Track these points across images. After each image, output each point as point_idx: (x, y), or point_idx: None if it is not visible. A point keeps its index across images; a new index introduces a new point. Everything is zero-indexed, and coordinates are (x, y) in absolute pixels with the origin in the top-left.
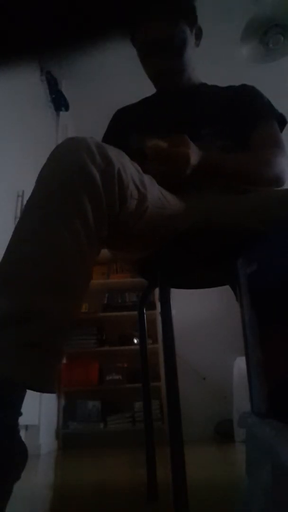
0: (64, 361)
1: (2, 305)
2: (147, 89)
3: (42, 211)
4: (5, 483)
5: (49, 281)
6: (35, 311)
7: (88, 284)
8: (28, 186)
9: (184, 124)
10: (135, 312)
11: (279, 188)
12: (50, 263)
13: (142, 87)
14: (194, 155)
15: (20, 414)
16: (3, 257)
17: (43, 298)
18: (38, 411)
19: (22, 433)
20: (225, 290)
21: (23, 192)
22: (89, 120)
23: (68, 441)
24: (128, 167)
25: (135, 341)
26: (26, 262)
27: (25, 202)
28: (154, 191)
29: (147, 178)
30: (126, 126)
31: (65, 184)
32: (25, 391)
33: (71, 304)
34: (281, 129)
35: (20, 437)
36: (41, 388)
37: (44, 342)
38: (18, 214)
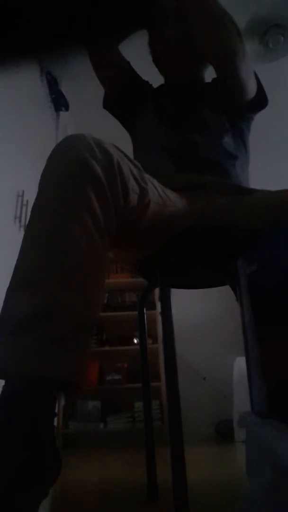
0: None
1: (25, 303)
2: None
3: (51, 209)
4: (27, 504)
5: (68, 277)
6: (59, 308)
7: (104, 279)
8: (28, 186)
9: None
10: (135, 312)
11: (279, 190)
12: (66, 260)
13: None
14: None
15: (54, 415)
16: (19, 257)
17: (65, 295)
18: None
19: None
20: (225, 290)
21: (23, 192)
22: (89, 120)
23: (68, 441)
24: (125, 161)
25: (135, 341)
26: (43, 261)
27: (25, 202)
28: (155, 188)
29: (147, 175)
30: (145, 85)
31: (70, 181)
32: (56, 391)
33: (92, 299)
34: (257, 110)
35: (53, 444)
36: (68, 384)
37: (69, 338)
38: (18, 214)
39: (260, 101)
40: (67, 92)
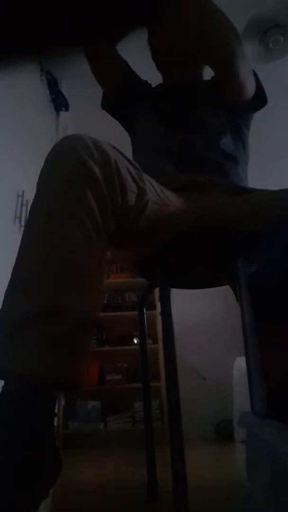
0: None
1: (24, 304)
2: None
3: (49, 209)
4: (28, 504)
5: (66, 277)
6: (58, 307)
7: (102, 279)
8: (28, 186)
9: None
10: (135, 312)
11: (279, 189)
12: (65, 260)
13: None
14: None
15: (53, 415)
16: (17, 258)
17: (64, 295)
18: None
19: None
20: (225, 290)
21: (23, 192)
22: (89, 120)
23: (68, 441)
24: (123, 161)
25: (135, 341)
26: (42, 261)
27: (25, 202)
28: (154, 187)
29: (145, 175)
30: (143, 85)
31: (68, 182)
32: (56, 391)
33: (90, 299)
34: (256, 108)
35: (53, 444)
36: (68, 384)
37: (69, 338)
38: (18, 214)
39: (259, 100)
40: (67, 92)
